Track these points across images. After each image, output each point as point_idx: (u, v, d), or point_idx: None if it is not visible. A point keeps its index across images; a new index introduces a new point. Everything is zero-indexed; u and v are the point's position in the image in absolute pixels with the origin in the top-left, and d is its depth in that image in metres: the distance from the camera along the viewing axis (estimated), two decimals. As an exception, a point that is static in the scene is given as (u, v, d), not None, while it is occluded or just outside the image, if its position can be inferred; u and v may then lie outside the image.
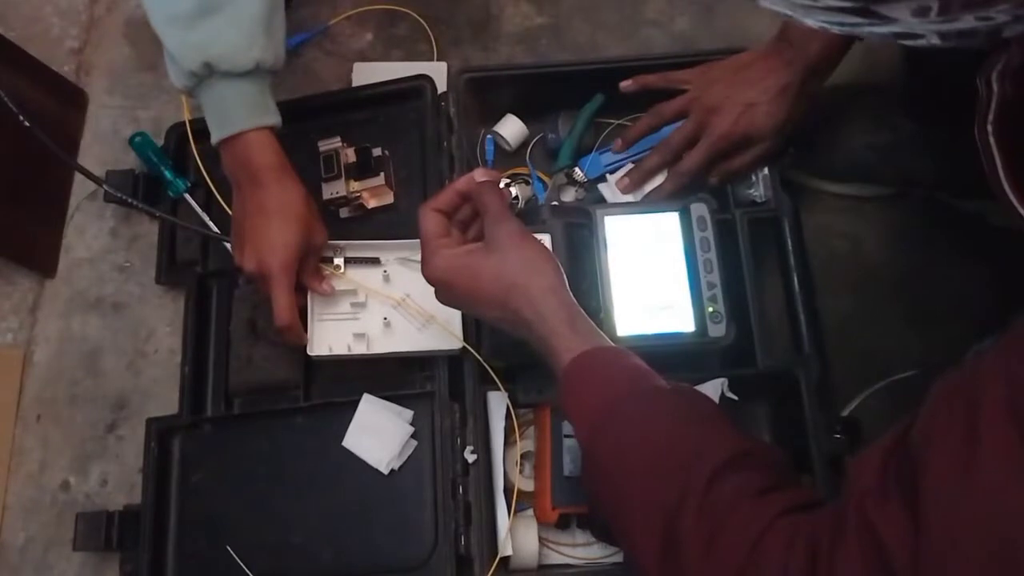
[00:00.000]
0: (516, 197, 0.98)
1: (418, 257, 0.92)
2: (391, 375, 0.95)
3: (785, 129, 0.89)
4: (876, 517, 0.47)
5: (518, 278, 0.69)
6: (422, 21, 1.16)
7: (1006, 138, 0.63)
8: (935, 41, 0.44)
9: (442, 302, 0.77)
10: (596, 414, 0.63)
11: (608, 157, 0.99)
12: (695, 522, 0.54)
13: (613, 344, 0.68)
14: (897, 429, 0.50)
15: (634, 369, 0.66)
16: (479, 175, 0.75)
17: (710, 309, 0.85)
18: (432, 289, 0.91)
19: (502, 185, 0.91)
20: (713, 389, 0.85)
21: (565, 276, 0.70)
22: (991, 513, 0.42)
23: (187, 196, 1.05)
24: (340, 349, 0.92)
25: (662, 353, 0.79)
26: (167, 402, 1.00)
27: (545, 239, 0.82)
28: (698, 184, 0.94)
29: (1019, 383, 0.43)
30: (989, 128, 0.63)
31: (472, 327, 0.91)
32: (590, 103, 1.02)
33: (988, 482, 0.42)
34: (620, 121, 1.03)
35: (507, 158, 1.05)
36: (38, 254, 1.09)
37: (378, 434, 0.91)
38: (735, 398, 0.88)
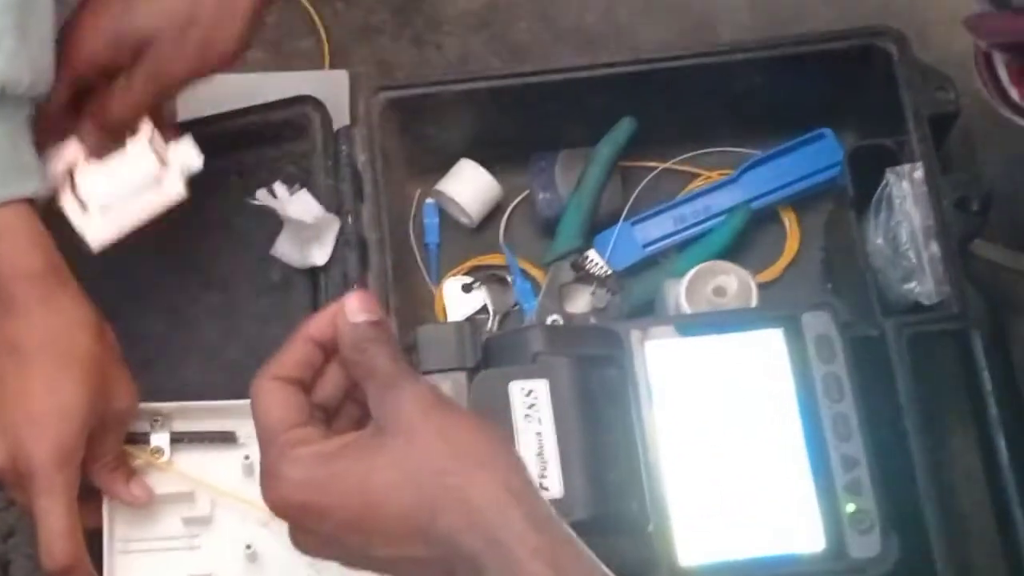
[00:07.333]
0: (485, 309, 0.74)
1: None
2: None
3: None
4: None
5: (447, 475, 0.49)
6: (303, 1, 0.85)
7: None
8: None
9: (305, 550, 0.53)
10: None
11: (649, 230, 0.74)
12: None
13: None
14: None
15: None
16: (352, 309, 0.52)
17: (850, 508, 0.61)
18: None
19: (457, 287, 0.75)
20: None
21: (527, 467, 0.51)
22: None
23: None
24: (167, 607, 0.68)
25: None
26: None
27: (540, 387, 0.59)
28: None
29: None
30: None
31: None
32: (612, 134, 0.76)
33: None
34: (667, 164, 0.77)
35: (465, 239, 0.79)
36: None
37: None
38: None
